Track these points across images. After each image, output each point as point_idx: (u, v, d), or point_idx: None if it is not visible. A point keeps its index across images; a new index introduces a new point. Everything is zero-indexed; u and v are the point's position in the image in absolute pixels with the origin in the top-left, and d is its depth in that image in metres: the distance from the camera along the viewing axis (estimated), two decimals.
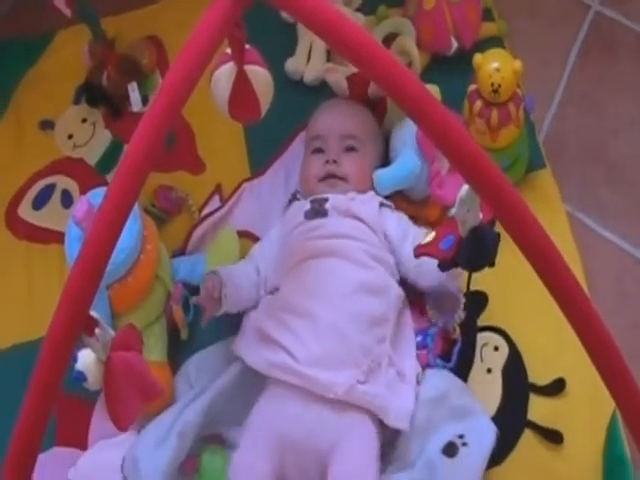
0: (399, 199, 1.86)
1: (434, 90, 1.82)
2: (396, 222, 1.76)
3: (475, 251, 1.34)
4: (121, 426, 1.28)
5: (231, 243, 1.88)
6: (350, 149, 1.82)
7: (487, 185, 1.12)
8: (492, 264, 1.39)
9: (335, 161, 1.80)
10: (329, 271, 1.67)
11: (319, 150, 1.83)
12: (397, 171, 1.82)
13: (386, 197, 1.84)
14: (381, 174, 1.81)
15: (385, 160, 1.87)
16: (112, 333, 1.24)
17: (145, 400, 1.29)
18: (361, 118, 1.88)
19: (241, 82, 1.45)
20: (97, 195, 1.66)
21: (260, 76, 1.47)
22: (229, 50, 1.42)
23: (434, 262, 1.46)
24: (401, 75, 1.07)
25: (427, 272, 1.64)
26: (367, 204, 1.76)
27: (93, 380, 1.27)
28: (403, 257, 1.71)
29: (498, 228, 1.25)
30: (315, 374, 1.56)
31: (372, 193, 1.80)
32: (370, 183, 1.81)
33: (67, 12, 1.89)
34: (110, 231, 1.07)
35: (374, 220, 1.74)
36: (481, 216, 1.31)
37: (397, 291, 1.69)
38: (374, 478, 1.53)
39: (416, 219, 1.85)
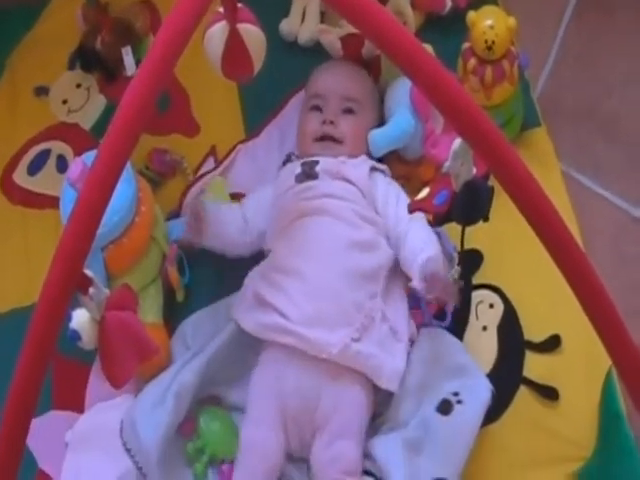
0: (393, 159, 1.86)
1: (428, 49, 1.82)
2: (385, 187, 1.76)
3: (469, 205, 1.35)
4: (117, 384, 1.29)
5: (221, 191, 1.91)
6: (348, 111, 1.82)
7: (482, 139, 1.12)
8: (486, 218, 1.40)
9: (332, 122, 1.80)
10: (319, 230, 1.67)
11: (317, 108, 1.83)
12: (391, 130, 1.82)
13: (380, 158, 1.84)
14: (375, 134, 1.82)
15: (380, 122, 1.88)
16: (106, 292, 1.24)
17: (141, 358, 1.30)
18: (362, 82, 1.88)
19: (234, 40, 1.45)
20: (92, 156, 1.63)
21: (252, 34, 1.47)
22: (221, 9, 1.42)
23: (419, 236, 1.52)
24: (396, 31, 1.08)
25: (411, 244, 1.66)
26: (357, 168, 1.76)
27: (88, 339, 1.27)
28: (389, 221, 1.71)
29: (492, 182, 1.26)
30: (308, 333, 1.57)
31: (364, 157, 1.80)
32: (364, 147, 1.82)
33: None
34: (102, 190, 1.08)
35: (364, 183, 1.74)
36: (475, 170, 1.32)
37: (387, 249, 1.69)
38: (358, 456, 1.57)
39: (410, 179, 1.85)
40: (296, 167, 1.78)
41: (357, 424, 1.58)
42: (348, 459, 1.55)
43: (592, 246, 1.74)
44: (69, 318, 1.25)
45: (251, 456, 1.58)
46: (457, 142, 1.24)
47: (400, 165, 1.86)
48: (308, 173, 1.75)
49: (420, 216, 1.62)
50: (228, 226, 1.77)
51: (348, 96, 1.83)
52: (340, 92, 1.83)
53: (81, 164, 1.61)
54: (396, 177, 1.83)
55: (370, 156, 1.82)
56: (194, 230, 1.74)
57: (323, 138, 1.80)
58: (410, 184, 1.84)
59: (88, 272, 1.18)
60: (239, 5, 1.42)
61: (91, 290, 1.20)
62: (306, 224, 1.68)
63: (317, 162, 1.77)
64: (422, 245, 1.64)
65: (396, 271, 1.71)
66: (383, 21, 1.07)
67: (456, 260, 1.63)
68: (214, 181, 1.93)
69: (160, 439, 1.58)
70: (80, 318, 1.26)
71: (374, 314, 1.61)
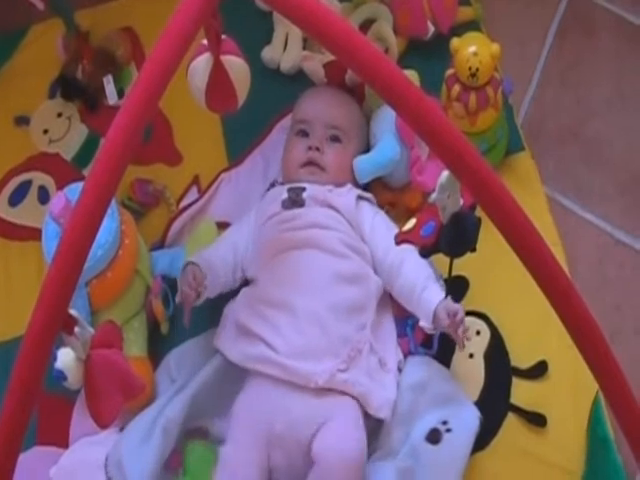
0: (379, 186, 1.88)
1: (412, 76, 1.83)
2: (372, 215, 1.78)
3: (456, 237, 1.36)
4: (103, 424, 1.28)
5: (210, 235, 1.89)
6: (334, 139, 1.83)
7: (467, 169, 1.13)
8: (473, 249, 1.41)
9: (318, 149, 1.81)
10: (306, 263, 1.69)
11: (304, 133, 1.84)
12: (377, 157, 1.83)
13: (366, 185, 1.85)
14: (361, 161, 1.83)
15: (366, 148, 1.89)
16: (91, 331, 1.24)
17: (126, 397, 1.30)
18: (349, 110, 1.89)
19: (218, 72, 1.46)
20: (74, 190, 1.68)
21: (237, 66, 1.48)
22: (205, 41, 1.43)
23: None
24: (378, 61, 1.08)
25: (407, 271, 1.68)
26: (344, 196, 1.78)
27: (73, 379, 1.28)
28: (378, 250, 1.73)
29: (478, 213, 1.27)
30: (295, 365, 1.58)
31: (350, 186, 1.81)
32: (350, 176, 1.83)
33: (40, 5, 1.88)
34: (88, 226, 1.07)
35: (351, 212, 1.75)
36: (461, 201, 1.32)
37: (375, 279, 1.70)
38: (360, 445, 1.55)
39: (396, 206, 1.87)
40: (282, 192, 1.79)
41: (354, 428, 1.57)
42: None
43: (576, 268, 1.78)
44: (54, 358, 1.25)
45: (227, 476, 1.58)
46: (444, 174, 1.25)
47: (386, 192, 1.88)
48: (294, 199, 1.76)
49: (410, 247, 1.64)
50: (221, 275, 1.75)
51: (335, 124, 1.84)
52: (327, 119, 1.84)
53: (64, 198, 1.62)
54: (382, 204, 1.85)
55: (356, 184, 1.83)
56: (192, 299, 1.68)
57: (308, 164, 1.81)
58: (395, 211, 1.86)
59: (73, 312, 1.17)
60: (223, 37, 1.43)
61: (76, 329, 1.20)
62: (293, 256, 1.69)
63: (304, 189, 1.78)
64: (424, 281, 1.65)
65: (385, 299, 1.73)
66: (365, 52, 1.08)
67: (442, 289, 1.65)
68: (203, 224, 1.92)
69: (147, 475, 1.59)
70: (65, 357, 1.26)
71: (361, 346, 1.62)
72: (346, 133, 1.84)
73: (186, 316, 1.67)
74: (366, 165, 1.83)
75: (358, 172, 1.83)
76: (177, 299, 1.70)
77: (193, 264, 1.70)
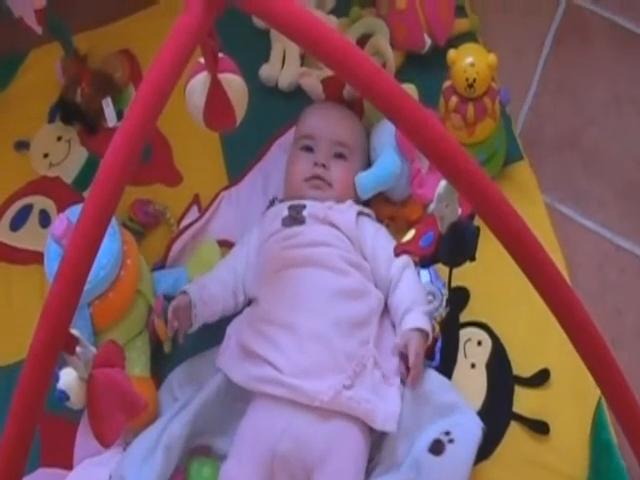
0: (379, 200, 1.91)
1: (411, 89, 1.87)
2: (374, 231, 1.81)
3: (455, 246, 1.38)
4: (105, 443, 1.30)
5: (212, 255, 1.92)
6: (339, 156, 1.87)
7: (465, 180, 1.15)
8: (472, 258, 1.43)
9: (324, 165, 1.84)
10: (307, 281, 1.71)
11: (308, 149, 1.87)
12: (379, 172, 1.86)
13: (366, 200, 1.88)
14: (363, 177, 1.86)
15: (367, 163, 1.92)
16: (93, 350, 1.26)
17: (129, 416, 1.32)
18: (353, 127, 1.93)
19: (215, 91, 1.47)
20: (76, 212, 1.67)
21: (234, 84, 1.50)
22: (202, 59, 1.44)
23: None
24: (376, 75, 1.10)
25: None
26: (345, 213, 1.80)
27: (76, 399, 1.30)
28: (381, 266, 1.76)
29: (477, 222, 1.29)
30: (300, 384, 1.60)
31: (350, 202, 1.83)
32: (352, 192, 1.86)
33: (38, 29, 1.90)
34: (88, 247, 1.08)
35: (352, 229, 1.78)
36: (460, 211, 1.34)
37: (377, 294, 1.74)
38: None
39: (397, 219, 1.90)
40: (283, 210, 1.82)
41: (355, 464, 1.61)
42: None
43: (576, 275, 1.81)
44: (56, 378, 1.27)
45: None
46: (442, 184, 1.27)
47: (386, 206, 1.91)
48: (295, 217, 1.79)
49: (410, 265, 1.71)
50: (219, 299, 1.78)
51: (340, 141, 1.87)
52: (332, 136, 1.87)
53: (65, 220, 1.65)
54: (382, 218, 1.88)
55: (357, 199, 1.86)
56: (181, 325, 1.74)
57: (313, 178, 1.84)
58: (396, 224, 1.89)
59: (74, 331, 1.19)
60: (220, 55, 1.44)
61: (78, 349, 1.22)
62: (294, 275, 1.72)
63: (304, 206, 1.80)
64: (409, 304, 1.70)
65: (385, 312, 1.76)
66: (363, 67, 1.10)
67: (445, 298, 1.70)
68: (204, 244, 1.95)
69: None
70: (67, 378, 1.29)
71: (366, 361, 1.65)
72: (351, 150, 1.88)
73: (179, 339, 1.74)
74: (368, 181, 1.86)
75: (360, 188, 1.86)
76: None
77: (184, 294, 1.75)
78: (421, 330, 1.67)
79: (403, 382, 1.69)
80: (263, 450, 1.61)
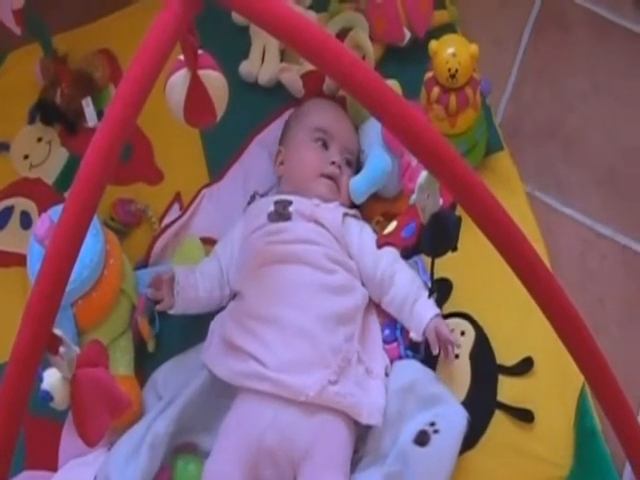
0: (371, 198, 1.92)
1: (394, 86, 1.89)
2: (359, 230, 1.83)
3: (437, 237, 1.38)
4: (90, 443, 1.30)
5: (195, 252, 1.94)
6: (348, 163, 1.90)
7: (447, 170, 1.16)
8: (454, 248, 1.43)
9: (340, 167, 1.87)
10: (292, 277, 1.73)
11: (323, 144, 1.90)
12: (370, 173, 1.88)
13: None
14: (356, 182, 1.88)
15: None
16: (77, 350, 1.27)
17: (113, 415, 1.32)
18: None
19: (195, 87, 1.47)
20: (58, 212, 1.61)
21: (214, 80, 1.50)
22: (182, 56, 1.44)
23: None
24: (355, 67, 1.11)
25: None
26: (331, 212, 1.82)
27: (60, 399, 1.29)
28: (368, 264, 1.78)
29: (458, 212, 1.31)
30: (285, 379, 1.62)
31: (337, 203, 1.85)
32: (349, 200, 1.89)
33: (17, 30, 1.90)
34: (70, 246, 1.09)
35: (337, 229, 1.80)
36: (441, 201, 1.35)
37: (362, 290, 1.76)
38: (343, 470, 1.61)
39: (389, 216, 1.90)
40: (269, 205, 1.83)
41: (341, 457, 1.63)
42: None
43: (559, 263, 1.83)
44: (40, 379, 1.27)
45: None
46: (423, 175, 1.28)
47: (378, 203, 1.93)
48: (281, 213, 1.81)
49: (399, 257, 1.73)
50: (204, 290, 1.81)
51: (351, 149, 1.91)
52: (345, 142, 1.91)
53: (48, 220, 1.67)
54: (374, 215, 1.91)
55: (352, 204, 1.89)
56: (164, 295, 1.77)
57: (329, 177, 1.86)
58: (388, 221, 1.85)
59: (58, 331, 1.20)
60: (200, 51, 1.45)
61: (61, 349, 1.22)
62: (279, 271, 1.74)
63: (291, 202, 1.82)
64: (416, 292, 1.73)
65: (369, 306, 1.78)
66: (344, 60, 1.10)
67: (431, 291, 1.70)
68: (187, 241, 1.97)
69: None
70: (51, 378, 1.28)
71: (350, 356, 1.67)
72: (355, 158, 1.92)
73: (160, 309, 1.78)
74: (361, 184, 1.88)
75: (354, 193, 1.88)
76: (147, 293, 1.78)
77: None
78: (438, 315, 1.71)
79: (387, 375, 1.71)
80: (248, 444, 1.63)
